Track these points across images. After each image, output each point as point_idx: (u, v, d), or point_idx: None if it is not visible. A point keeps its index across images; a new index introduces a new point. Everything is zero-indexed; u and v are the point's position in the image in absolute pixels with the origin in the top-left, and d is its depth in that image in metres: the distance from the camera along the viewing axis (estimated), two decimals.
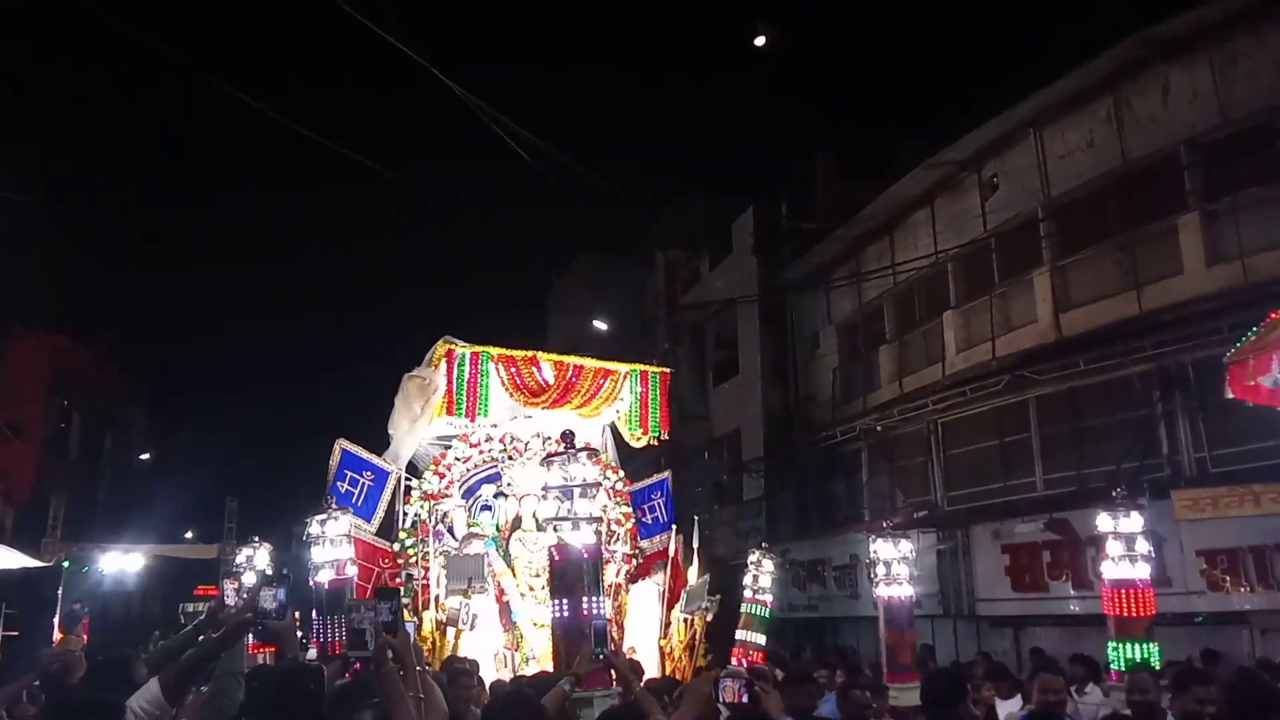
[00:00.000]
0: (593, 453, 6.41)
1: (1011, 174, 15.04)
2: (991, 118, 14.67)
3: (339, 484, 9.77)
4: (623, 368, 10.95)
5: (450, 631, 8.99)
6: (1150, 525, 11.63)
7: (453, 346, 9.99)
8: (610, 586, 10.02)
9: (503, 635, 9.45)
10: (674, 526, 11.23)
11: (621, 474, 11.27)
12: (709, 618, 10.13)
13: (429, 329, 10.60)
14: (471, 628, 9.08)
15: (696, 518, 11.14)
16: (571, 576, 6.49)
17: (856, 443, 18.00)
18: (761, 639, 10.30)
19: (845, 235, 18.47)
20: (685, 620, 10.14)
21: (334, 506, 8.96)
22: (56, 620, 14.11)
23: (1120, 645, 7.50)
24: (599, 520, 6.45)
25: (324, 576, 8.14)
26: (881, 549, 8.96)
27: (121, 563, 20.33)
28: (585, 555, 6.55)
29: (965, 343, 15.54)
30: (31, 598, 13.33)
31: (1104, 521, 7.93)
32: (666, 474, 11.99)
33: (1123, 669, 7.28)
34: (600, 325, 21.93)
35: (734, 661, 9.93)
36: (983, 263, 15.49)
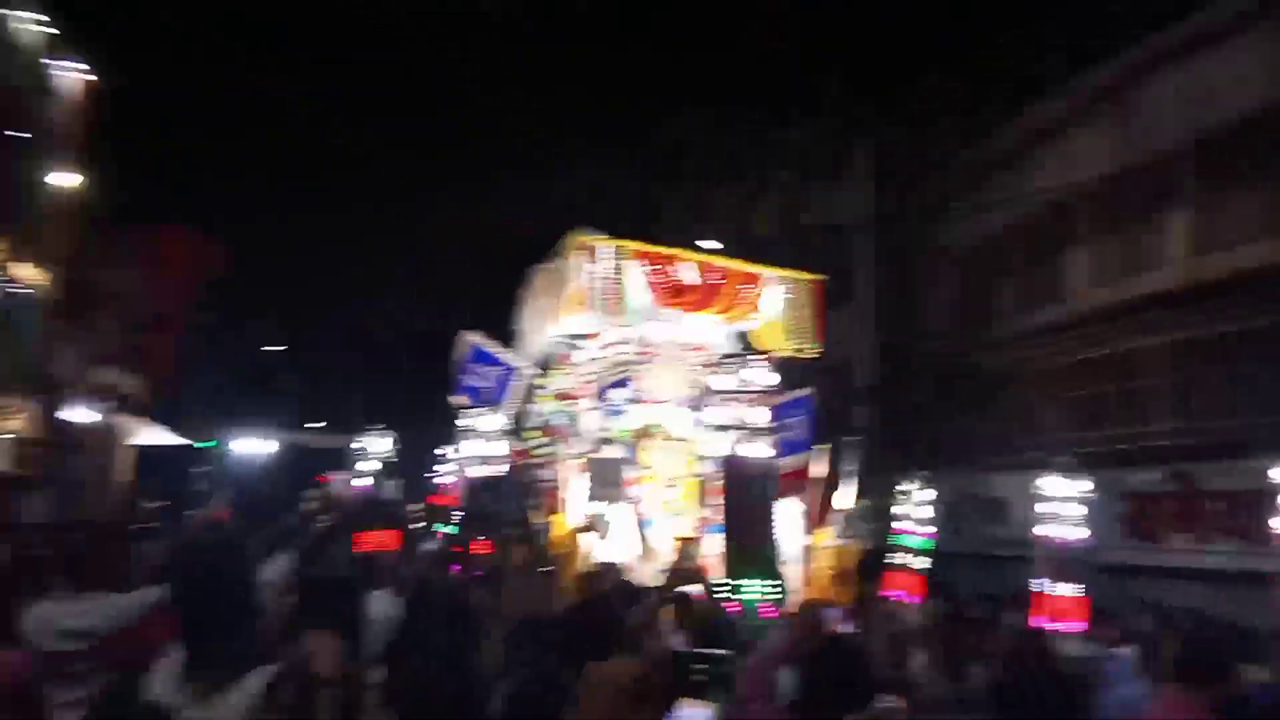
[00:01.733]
0: (768, 358, 5.60)
1: (1155, 102, 13.83)
2: (1134, 43, 13.51)
3: (466, 378, 9.58)
4: (771, 273, 10.02)
5: (584, 539, 8.75)
6: None
7: (588, 238, 9.35)
8: None
9: (638, 545, 9.16)
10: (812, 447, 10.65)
11: None
12: (868, 546, 9.58)
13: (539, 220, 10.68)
14: (605, 536, 8.86)
15: (854, 439, 10.12)
16: (745, 492, 5.84)
17: (973, 378, 17.32)
18: (924, 562, 9.57)
19: (971, 159, 17.51)
20: (838, 548, 9.42)
21: (465, 400, 9.19)
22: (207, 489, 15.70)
23: None
24: (776, 431, 5.74)
25: (476, 471, 8.30)
26: (1049, 485, 7.81)
27: (255, 448, 21.91)
28: (759, 471, 5.85)
29: (1091, 281, 14.66)
30: (178, 472, 14.68)
31: None
32: (809, 390, 10.92)
33: None
34: (709, 245, 21.54)
35: (888, 589, 9.35)
36: (1115, 198, 14.46)
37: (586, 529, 8.74)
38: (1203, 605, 11.34)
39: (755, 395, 5.65)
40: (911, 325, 19.43)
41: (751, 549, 5.54)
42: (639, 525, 9.08)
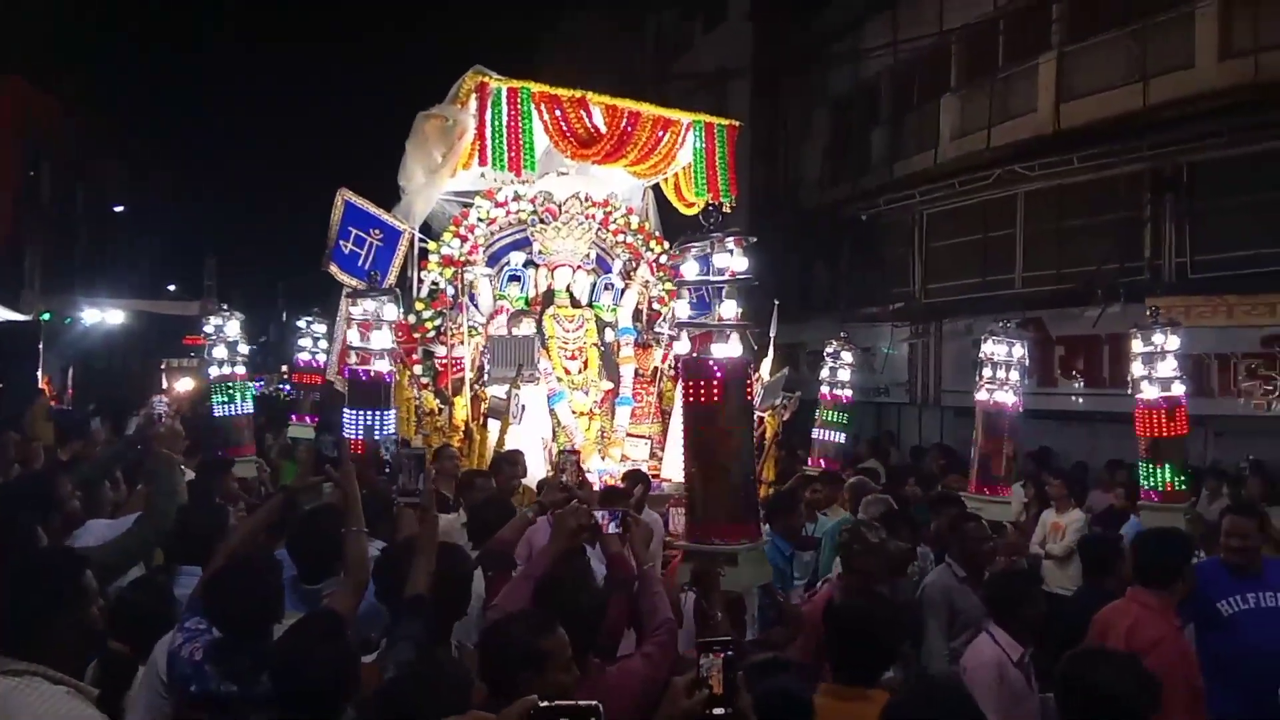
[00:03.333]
0: (739, 237, 4.91)
1: None
2: None
3: (343, 243, 8.64)
4: (685, 117, 9.23)
5: (494, 425, 8.08)
6: (1123, 328, 11.98)
7: (486, 79, 8.27)
8: (651, 372, 9.45)
9: (547, 426, 8.60)
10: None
11: (667, 246, 9.79)
12: (786, 416, 8.95)
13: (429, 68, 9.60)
14: (520, 421, 8.18)
15: (777, 302, 9.50)
16: (714, 406, 4.57)
17: (844, 228, 17.64)
18: (840, 438, 9.36)
19: (848, 3, 17.30)
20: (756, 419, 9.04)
21: (337, 269, 8.26)
22: (40, 373, 14.31)
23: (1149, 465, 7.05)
24: (743, 327, 4.87)
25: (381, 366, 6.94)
26: (992, 348, 7.41)
27: (102, 316, 20.40)
28: (732, 375, 4.61)
29: (960, 130, 14.92)
30: (13, 352, 13.44)
31: (1138, 343, 7.20)
32: None
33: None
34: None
35: (810, 464, 9.13)
36: (988, 44, 14.64)
37: (493, 414, 8.15)
38: (1050, 443, 12.30)
39: (729, 284, 4.80)
40: (786, 173, 19.50)
41: (721, 469, 4.46)
42: (546, 402, 8.63)
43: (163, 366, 17.37)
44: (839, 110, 18.35)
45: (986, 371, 7.40)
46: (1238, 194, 11.55)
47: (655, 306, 9.67)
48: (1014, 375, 7.34)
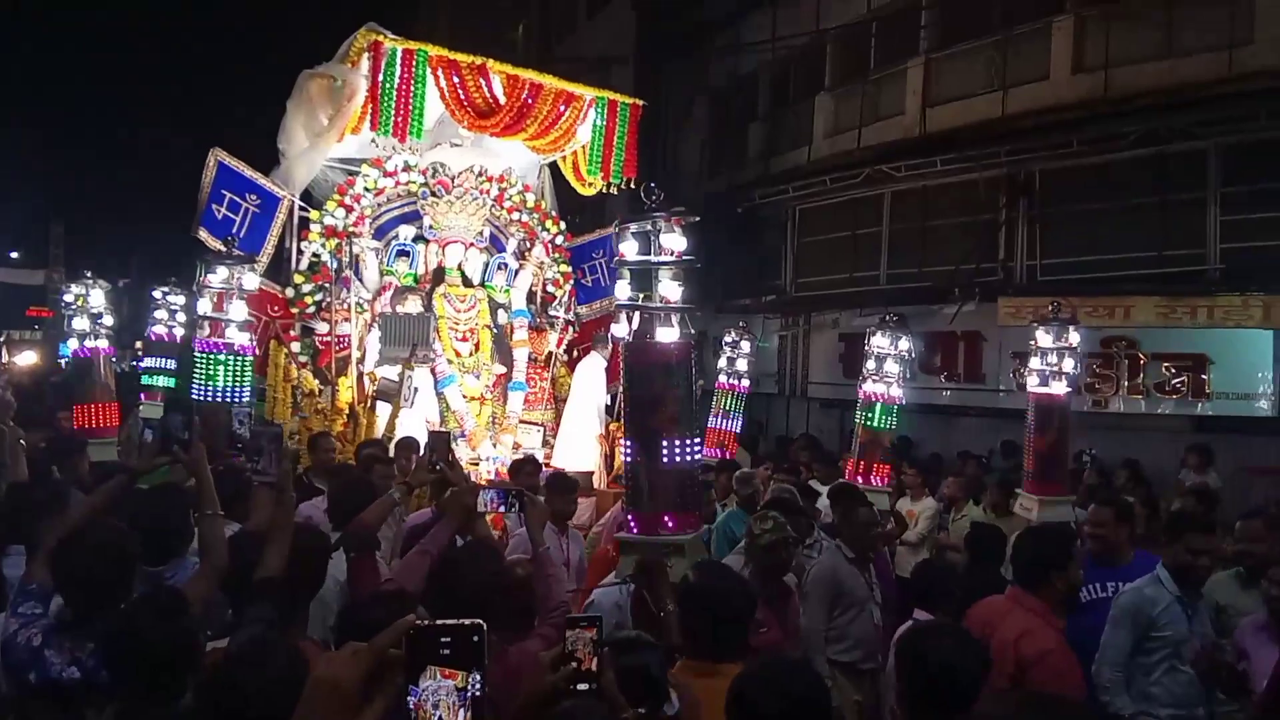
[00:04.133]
0: (682, 215, 4.67)
1: None
2: None
3: (215, 207, 7.99)
4: (588, 93, 8.92)
5: (383, 409, 7.70)
6: (977, 325, 12.63)
7: (381, 38, 7.84)
8: (545, 357, 9.17)
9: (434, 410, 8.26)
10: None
11: (563, 226, 9.67)
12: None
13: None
14: (411, 404, 7.84)
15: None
16: (658, 392, 4.36)
17: (721, 219, 17.88)
18: (736, 426, 9.21)
19: None
20: None
21: (208, 234, 7.59)
22: None
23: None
24: (687, 309, 4.62)
25: (231, 336, 6.48)
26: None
27: None
28: (677, 359, 4.43)
29: (834, 129, 15.36)
30: None
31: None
32: (611, 230, 9.91)
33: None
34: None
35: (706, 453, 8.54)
36: (861, 46, 15.13)
37: (382, 396, 7.77)
38: (909, 433, 12.86)
39: (675, 265, 4.53)
40: (665, 162, 19.65)
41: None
42: (434, 386, 8.29)
43: (1, 339, 16.24)
44: (718, 102, 18.62)
45: (870, 365, 7.44)
46: (1085, 201, 12.31)
47: (550, 289, 9.39)
48: (895, 368, 7.38)
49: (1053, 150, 12.21)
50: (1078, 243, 12.35)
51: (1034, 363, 6.76)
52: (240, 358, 6.36)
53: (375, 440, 6.89)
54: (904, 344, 7.41)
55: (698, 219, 4.82)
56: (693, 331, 4.68)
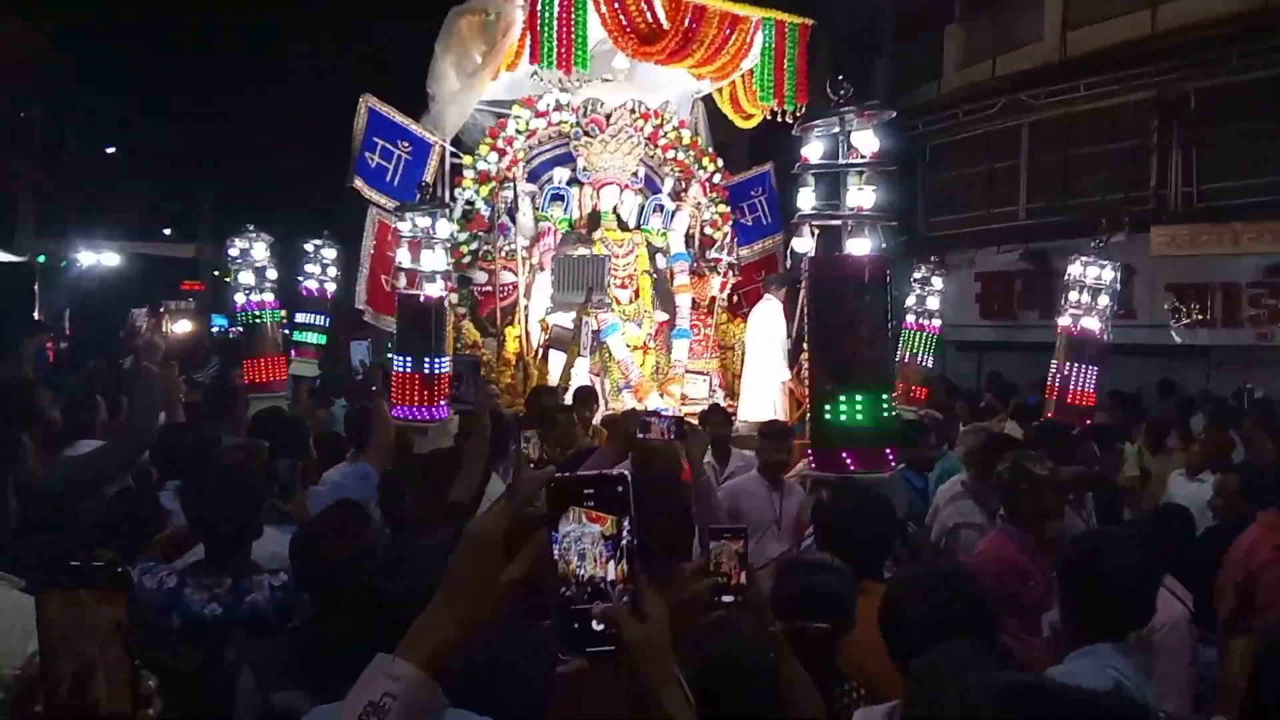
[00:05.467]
0: (875, 111, 4.14)
1: None
2: None
3: (367, 155, 7.70)
4: (755, 14, 8.14)
5: (555, 357, 7.35)
6: (1125, 258, 12.04)
7: None
8: (708, 303, 8.69)
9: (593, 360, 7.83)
10: (779, 232, 9.30)
11: (720, 164, 9.04)
12: None
13: None
14: (590, 352, 7.46)
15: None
16: (850, 314, 3.94)
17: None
18: (929, 364, 8.29)
19: None
20: None
21: (363, 183, 7.40)
22: (36, 314, 14.11)
23: None
24: (882, 219, 4.11)
25: (433, 289, 6.17)
26: (1078, 269, 6.63)
27: (97, 259, 20.10)
28: (873, 275, 3.97)
29: (965, 60, 14.83)
30: (9, 292, 13.25)
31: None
32: (769, 166, 9.61)
33: None
34: None
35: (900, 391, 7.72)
36: None
37: (555, 344, 7.44)
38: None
39: (865, 168, 3.96)
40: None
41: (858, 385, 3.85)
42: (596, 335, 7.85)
43: (161, 309, 17.05)
44: (841, 40, 18.15)
45: (1073, 295, 6.67)
46: (1243, 121, 11.57)
47: (708, 231, 8.88)
48: (1103, 301, 6.62)
49: (1207, 68, 11.50)
50: (1237, 166, 11.64)
51: None
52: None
53: (551, 388, 6.63)
54: (1108, 273, 6.64)
55: (894, 115, 4.28)
56: (884, 245, 4.15)
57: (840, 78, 4.22)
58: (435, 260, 6.16)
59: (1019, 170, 14.38)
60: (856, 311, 3.98)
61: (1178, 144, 12.22)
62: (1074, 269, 6.66)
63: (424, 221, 6.15)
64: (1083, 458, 4.75)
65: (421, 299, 6.10)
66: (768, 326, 7.95)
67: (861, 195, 4.04)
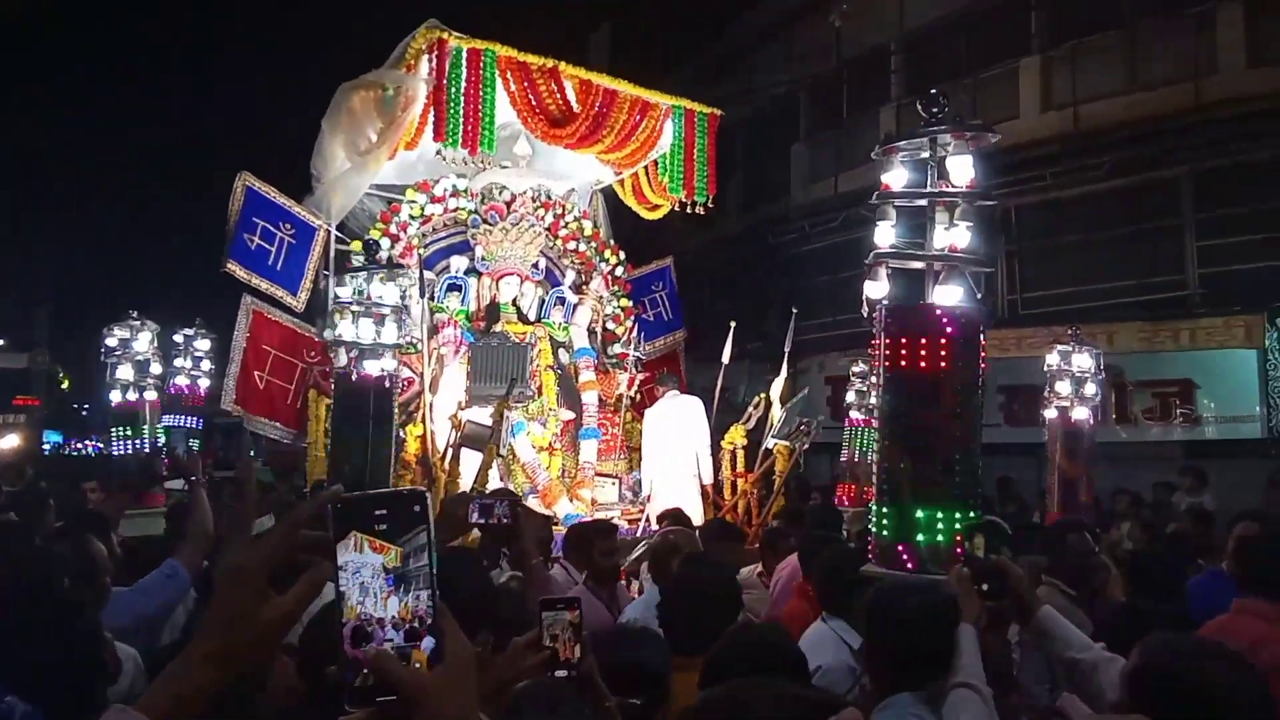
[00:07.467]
0: (977, 132, 3.64)
1: (863, 7, 14.91)
2: None
3: (247, 236, 7.19)
4: (665, 101, 8.07)
5: (469, 458, 6.64)
6: None
7: (444, 36, 7.02)
8: (616, 401, 8.29)
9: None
10: (681, 329, 9.27)
11: (622, 257, 8.89)
12: (806, 446, 7.71)
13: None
14: (507, 450, 7.07)
15: (795, 311, 8.81)
16: (936, 376, 3.37)
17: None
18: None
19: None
20: (777, 450, 7.69)
21: (238, 266, 6.91)
22: None
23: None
24: (978, 263, 3.60)
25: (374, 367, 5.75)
26: (1068, 359, 6.71)
27: None
28: (965, 332, 3.39)
29: (810, 177, 15.69)
30: None
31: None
32: (668, 260, 9.60)
33: None
34: None
35: (840, 500, 7.92)
36: (833, 96, 15.53)
37: (469, 443, 6.72)
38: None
39: (961, 199, 3.46)
40: None
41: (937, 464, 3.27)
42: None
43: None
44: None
45: (1061, 386, 7.20)
46: (1062, 234, 12.66)
47: (610, 326, 8.63)
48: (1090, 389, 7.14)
49: (1027, 185, 12.58)
50: (1056, 276, 12.70)
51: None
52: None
53: (464, 496, 6.10)
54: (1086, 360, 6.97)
55: (996, 138, 3.58)
56: (980, 294, 3.43)
57: (935, 90, 3.62)
58: (383, 332, 5.69)
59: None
60: (943, 374, 3.27)
61: (1002, 256, 13.24)
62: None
63: (375, 288, 5.76)
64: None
65: (356, 378, 5.68)
66: (684, 421, 7.66)
67: (953, 234, 3.40)
